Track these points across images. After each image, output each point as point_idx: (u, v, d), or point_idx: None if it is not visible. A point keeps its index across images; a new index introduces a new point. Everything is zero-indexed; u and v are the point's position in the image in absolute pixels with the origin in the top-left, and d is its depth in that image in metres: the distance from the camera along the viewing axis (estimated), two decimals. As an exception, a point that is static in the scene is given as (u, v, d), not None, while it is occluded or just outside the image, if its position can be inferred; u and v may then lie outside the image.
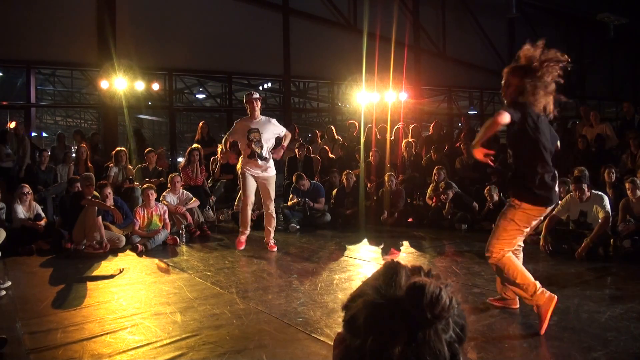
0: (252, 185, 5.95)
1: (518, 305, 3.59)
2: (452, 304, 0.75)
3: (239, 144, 6.04)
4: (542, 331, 3.04)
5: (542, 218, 3.34)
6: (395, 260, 0.85)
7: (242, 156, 6.10)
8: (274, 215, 6.16)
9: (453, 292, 0.78)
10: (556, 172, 3.23)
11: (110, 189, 6.77)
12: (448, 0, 13.92)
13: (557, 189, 3.26)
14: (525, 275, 3.15)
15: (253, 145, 5.79)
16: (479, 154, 3.03)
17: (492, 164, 3.16)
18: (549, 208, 3.25)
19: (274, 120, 6.04)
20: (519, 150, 3.23)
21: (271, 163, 5.99)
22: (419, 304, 0.73)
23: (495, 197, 7.16)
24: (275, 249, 6.02)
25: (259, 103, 5.92)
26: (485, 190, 7.30)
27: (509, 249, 3.21)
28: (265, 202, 6.06)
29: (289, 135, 6.22)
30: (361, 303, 0.78)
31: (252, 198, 6.02)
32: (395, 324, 0.73)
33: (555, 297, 3.09)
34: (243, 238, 6.04)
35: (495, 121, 2.96)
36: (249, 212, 6.09)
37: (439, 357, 0.74)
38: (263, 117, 5.96)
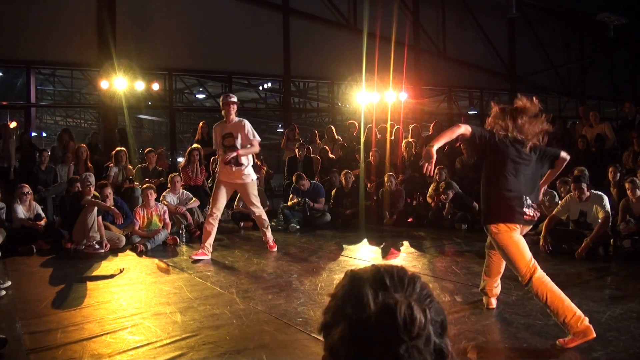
0: (222, 193, 5.66)
1: (494, 306, 3.57)
2: (427, 317, 0.72)
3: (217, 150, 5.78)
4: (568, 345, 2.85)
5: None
6: (354, 270, 0.81)
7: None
8: (265, 217, 5.96)
9: (422, 290, 0.76)
10: (526, 198, 3.10)
11: (110, 189, 6.77)
12: (448, 0, 13.92)
13: (526, 210, 3.09)
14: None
15: (227, 151, 5.53)
16: (428, 156, 2.97)
17: (426, 171, 3.04)
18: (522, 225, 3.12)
19: (246, 122, 5.66)
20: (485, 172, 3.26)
21: (249, 169, 5.72)
22: (394, 329, 0.70)
23: None
24: (275, 248, 5.98)
25: (235, 107, 5.64)
26: None
27: (533, 263, 3.03)
28: (250, 208, 5.91)
29: (256, 146, 5.73)
30: (337, 335, 0.75)
31: (219, 208, 5.69)
32: (377, 349, 0.71)
33: (593, 334, 2.83)
34: (201, 253, 5.52)
35: (455, 129, 3.07)
36: (214, 225, 5.61)
37: None
38: (237, 119, 5.66)
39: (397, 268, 0.79)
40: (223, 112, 5.66)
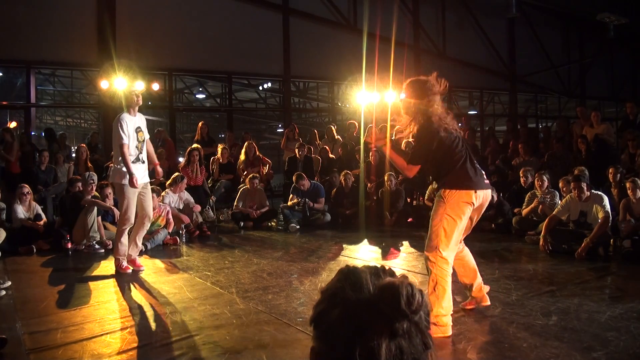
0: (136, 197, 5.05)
1: (489, 302, 3.55)
2: (424, 299, 0.78)
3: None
4: None
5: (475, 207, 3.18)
6: (348, 265, 0.86)
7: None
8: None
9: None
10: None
11: (110, 189, 6.77)
12: (448, 0, 13.92)
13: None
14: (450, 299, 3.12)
15: (140, 147, 5.03)
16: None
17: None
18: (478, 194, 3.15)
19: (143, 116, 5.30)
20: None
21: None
22: (396, 304, 0.75)
23: (495, 197, 7.16)
24: (130, 270, 5.01)
25: (140, 100, 5.16)
26: None
27: (453, 250, 3.14)
28: (147, 213, 5.18)
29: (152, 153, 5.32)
30: (337, 314, 0.78)
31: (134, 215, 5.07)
32: (377, 325, 0.75)
33: (449, 337, 3.02)
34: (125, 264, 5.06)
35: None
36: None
37: (418, 347, 0.77)
38: (139, 114, 5.21)
39: (388, 267, 0.85)
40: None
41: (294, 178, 8.12)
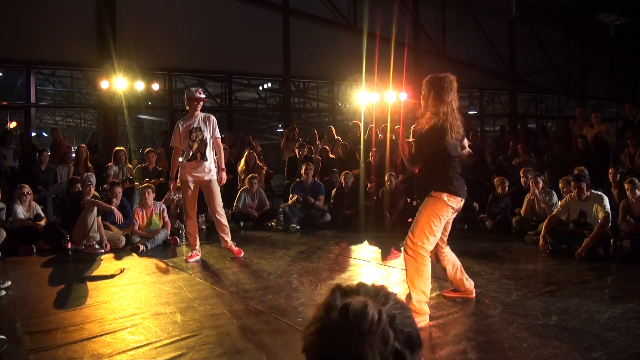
0: (193, 193, 5.46)
1: (474, 295, 3.80)
2: (382, 317, 0.76)
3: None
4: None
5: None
6: (338, 284, 0.86)
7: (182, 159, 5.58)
8: (225, 222, 5.60)
9: (395, 304, 0.80)
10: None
11: (120, 188, 6.80)
12: (448, 0, 13.92)
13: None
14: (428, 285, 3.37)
15: (196, 146, 5.36)
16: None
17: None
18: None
19: (213, 118, 5.54)
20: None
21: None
22: (347, 324, 0.75)
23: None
24: (242, 254, 5.62)
25: (201, 104, 5.48)
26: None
27: (433, 245, 3.43)
28: (214, 208, 5.49)
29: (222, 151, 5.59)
30: (309, 334, 0.80)
31: (194, 209, 5.55)
32: (335, 347, 0.75)
33: (428, 324, 3.27)
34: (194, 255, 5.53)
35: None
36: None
37: None
38: (202, 114, 5.49)
39: (380, 286, 0.84)
40: (188, 108, 5.49)
41: (302, 169, 8.13)
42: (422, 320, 3.25)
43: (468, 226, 7.38)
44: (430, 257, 3.43)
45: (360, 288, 0.83)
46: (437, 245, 3.60)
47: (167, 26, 10.80)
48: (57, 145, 9.47)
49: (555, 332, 3.08)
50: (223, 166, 5.60)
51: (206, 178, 5.41)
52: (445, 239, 3.66)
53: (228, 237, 5.60)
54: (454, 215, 3.53)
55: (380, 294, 0.82)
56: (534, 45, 14.86)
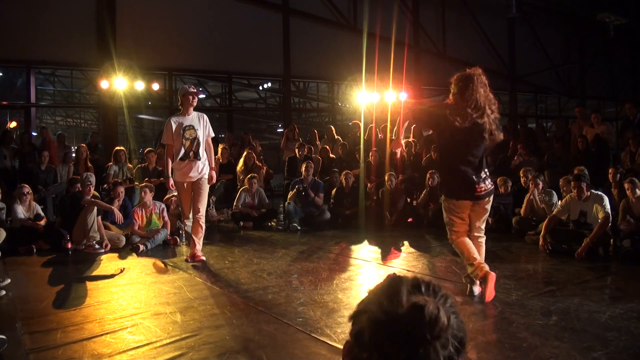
0: (188, 193, 5.41)
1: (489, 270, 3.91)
2: (450, 323, 0.78)
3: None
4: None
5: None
6: (397, 274, 0.87)
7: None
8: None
9: (451, 305, 0.82)
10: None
11: (123, 188, 6.80)
12: (448, 0, 13.92)
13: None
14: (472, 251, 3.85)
15: (189, 144, 5.26)
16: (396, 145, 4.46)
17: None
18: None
19: (207, 117, 5.49)
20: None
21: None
22: (419, 325, 0.76)
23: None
24: (203, 258, 5.33)
25: (196, 99, 5.43)
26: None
27: (457, 233, 3.91)
28: (196, 207, 5.37)
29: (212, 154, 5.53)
30: (366, 320, 0.81)
31: (191, 209, 5.46)
32: (397, 341, 0.76)
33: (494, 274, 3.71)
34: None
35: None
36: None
37: None
38: (196, 113, 5.43)
39: (434, 283, 0.86)
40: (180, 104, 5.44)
41: (302, 167, 8.13)
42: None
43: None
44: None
45: (421, 283, 0.84)
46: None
47: (167, 26, 10.80)
48: (46, 144, 9.46)
49: (555, 332, 3.08)
50: (213, 165, 5.54)
51: (196, 177, 5.34)
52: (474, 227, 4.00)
53: (199, 243, 5.37)
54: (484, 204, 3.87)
55: (439, 294, 0.83)
56: (534, 45, 14.87)
